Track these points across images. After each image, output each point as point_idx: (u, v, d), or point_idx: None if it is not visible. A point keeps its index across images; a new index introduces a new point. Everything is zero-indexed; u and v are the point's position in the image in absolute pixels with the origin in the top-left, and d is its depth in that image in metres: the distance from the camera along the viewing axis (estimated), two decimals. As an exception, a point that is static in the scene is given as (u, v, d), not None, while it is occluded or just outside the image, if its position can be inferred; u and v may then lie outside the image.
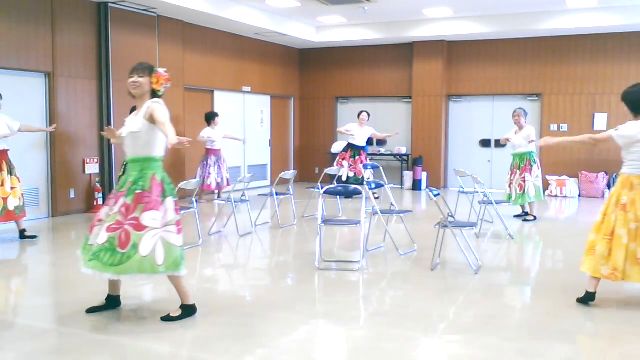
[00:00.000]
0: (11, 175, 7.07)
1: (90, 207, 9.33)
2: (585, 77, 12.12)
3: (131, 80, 4.22)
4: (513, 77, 12.62)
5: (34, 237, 7.31)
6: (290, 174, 8.72)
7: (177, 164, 11.02)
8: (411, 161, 13.39)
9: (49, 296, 5.29)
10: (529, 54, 12.49)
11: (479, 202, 8.02)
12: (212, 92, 12.02)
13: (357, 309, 4.77)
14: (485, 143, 13.20)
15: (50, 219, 8.75)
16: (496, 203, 7.87)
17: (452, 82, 13.23)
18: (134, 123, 4.22)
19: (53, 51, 8.72)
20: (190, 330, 4.22)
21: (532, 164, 8.62)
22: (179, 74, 10.91)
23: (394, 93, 13.77)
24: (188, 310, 4.36)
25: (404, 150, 13.53)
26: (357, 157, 11.11)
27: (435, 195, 6.00)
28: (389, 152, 13.59)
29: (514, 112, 8.75)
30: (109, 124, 9.48)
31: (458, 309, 4.69)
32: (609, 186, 11.79)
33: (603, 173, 11.84)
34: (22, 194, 7.23)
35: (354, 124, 11.30)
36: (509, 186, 8.73)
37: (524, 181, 8.54)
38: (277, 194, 8.54)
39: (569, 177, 12.09)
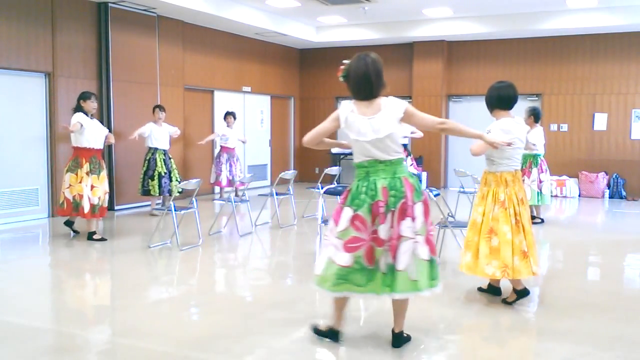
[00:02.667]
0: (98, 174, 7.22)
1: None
2: (585, 77, 12.12)
3: None
4: (513, 77, 12.59)
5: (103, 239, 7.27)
6: (290, 174, 8.72)
7: (179, 164, 11.02)
8: (411, 161, 13.40)
9: (48, 296, 5.28)
10: (529, 54, 12.49)
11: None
12: (212, 92, 12.02)
13: (357, 309, 4.77)
14: (485, 143, 13.18)
15: (51, 219, 8.75)
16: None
17: (452, 82, 13.23)
18: None
19: (53, 51, 8.72)
20: (190, 330, 4.22)
21: (533, 167, 8.45)
22: (178, 74, 10.91)
23: (394, 93, 13.42)
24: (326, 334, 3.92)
25: (404, 150, 13.52)
26: None
27: (435, 195, 6.00)
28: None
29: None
30: (109, 124, 9.49)
31: (458, 309, 4.69)
32: (609, 186, 11.80)
33: (603, 173, 11.85)
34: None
35: None
36: None
37: (523, 184, 8.40)
38: (277, 194, 8.54)
39: (569, 177, 12.09)
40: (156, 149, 9.17)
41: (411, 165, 11.07)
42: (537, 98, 12.57)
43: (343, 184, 9.40)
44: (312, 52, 14.35)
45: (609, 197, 11.74)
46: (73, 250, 6.90)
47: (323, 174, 9.64)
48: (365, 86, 3.77)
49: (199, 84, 11.53)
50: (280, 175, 8.52)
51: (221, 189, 10.89)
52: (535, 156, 8.46)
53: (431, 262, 3.67)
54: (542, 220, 8.74)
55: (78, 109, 7.20)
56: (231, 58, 12.30)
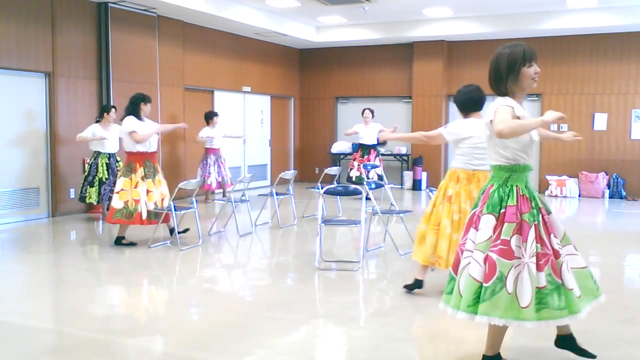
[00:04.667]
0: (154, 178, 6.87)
1: (90, 207, 9.32)
2: (585, 77, 12.11)
3: (535, 69, 3.42)
4: (513, 77, 12.59)
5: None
6: (290, 174, 8.72)
7: (176, 163, 11.03)
8: (411, 161, 13.39)
9: (48, 297, 5.28)
10: (529, 54, 12.47)
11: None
12: (212, 92, 12.02)
13: (357, 309, 4.77)
14: (485, 143, 13.19)
15: (50, 219, 8.75)
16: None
17: (452, 82, 13.23)
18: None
19: (53, 51, 8.72)
20: (190, 330, 4.22)
21: None
22: (179, 74, 10.91)
23: (394, 93, 13.76)
24: None
25: (403, 150, 13.53)
26: (365, 157, 11.21)
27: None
28: (389, 152, 13.59)
29: None
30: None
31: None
32: (609, 186, 11.80)
33: (603, 173, 11.85)
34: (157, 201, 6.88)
35: (360, 124, 11.35)
36: None
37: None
38: (277, 194, 8.54)
39: (569, 177, 12.09)
40: (99, 152, 8.48)
41: (378, 166, 11.26)
42: (537, 98, 12.56)
43: (343, 184, 9.41)
44: (312, 52, 14.35)
45: (609, 197, 11.74)
46: (73, 250, 6.90)
47: (323, 174, 9.64)
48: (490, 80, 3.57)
49: (199, 84, 11.53)
50: (280, 175, 8.52)
51: (212, 192, 10.74)
52: None
53: (482, 286, 3.11)
54: None
55: (133, 111, 6.73)
56: (231, 58, 12.30)
